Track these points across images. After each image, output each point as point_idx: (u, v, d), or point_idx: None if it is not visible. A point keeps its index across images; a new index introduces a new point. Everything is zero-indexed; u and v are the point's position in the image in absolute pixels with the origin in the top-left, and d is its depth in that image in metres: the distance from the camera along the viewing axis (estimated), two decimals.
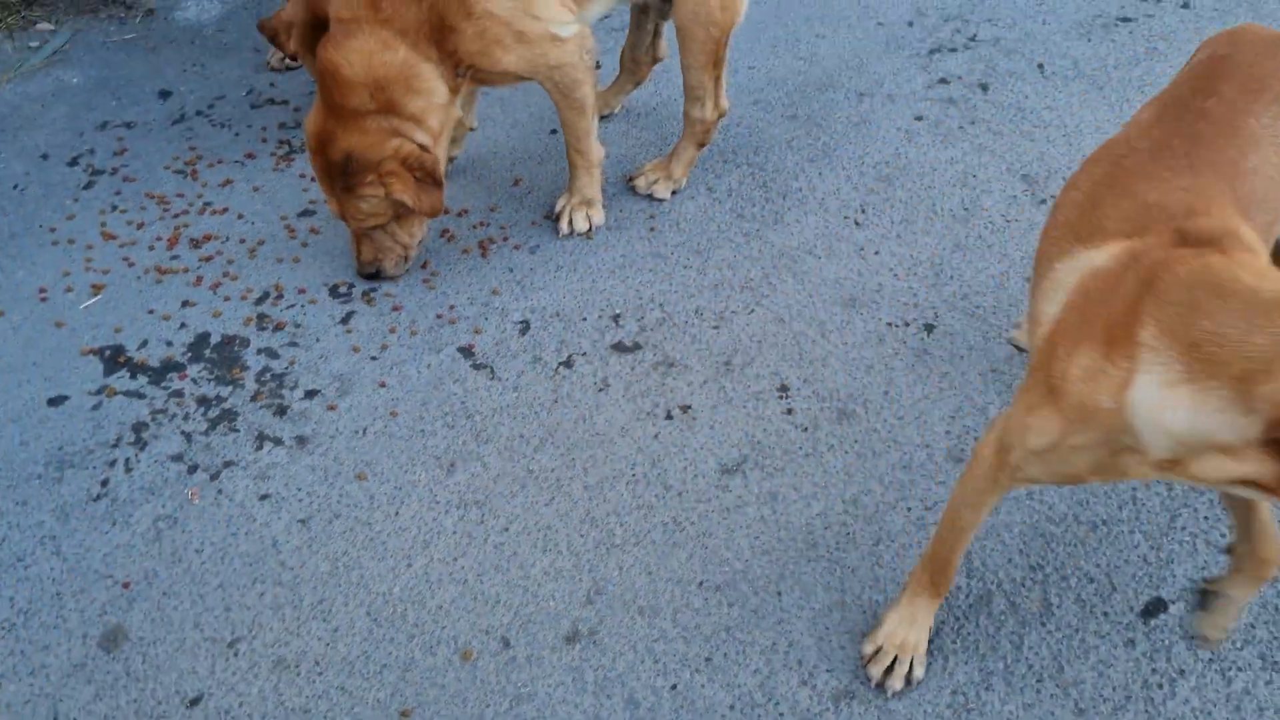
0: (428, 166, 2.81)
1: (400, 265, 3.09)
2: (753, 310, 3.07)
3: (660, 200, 3.42)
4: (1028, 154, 3.59)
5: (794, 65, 4.00)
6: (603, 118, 3.69)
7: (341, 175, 2.79)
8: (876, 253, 3.25)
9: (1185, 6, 4.25)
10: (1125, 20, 4.20)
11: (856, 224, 3.34)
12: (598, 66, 3.86)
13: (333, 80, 2.73)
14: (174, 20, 4.20)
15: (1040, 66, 3.98)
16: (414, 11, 2.68)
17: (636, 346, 2.97)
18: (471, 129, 3.51)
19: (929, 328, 3.01)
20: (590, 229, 3.29)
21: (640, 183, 3.42)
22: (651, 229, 3.33)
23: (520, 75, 2.91)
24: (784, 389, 2.86)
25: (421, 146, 2.83)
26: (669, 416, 2.79)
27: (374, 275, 3.09)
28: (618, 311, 3.07)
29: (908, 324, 3.03)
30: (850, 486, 2.62)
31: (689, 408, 2.81)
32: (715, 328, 3.02)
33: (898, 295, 3.11)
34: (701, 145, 3.35)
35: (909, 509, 2.57)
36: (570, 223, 3.28)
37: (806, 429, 2.76)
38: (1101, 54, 4.03)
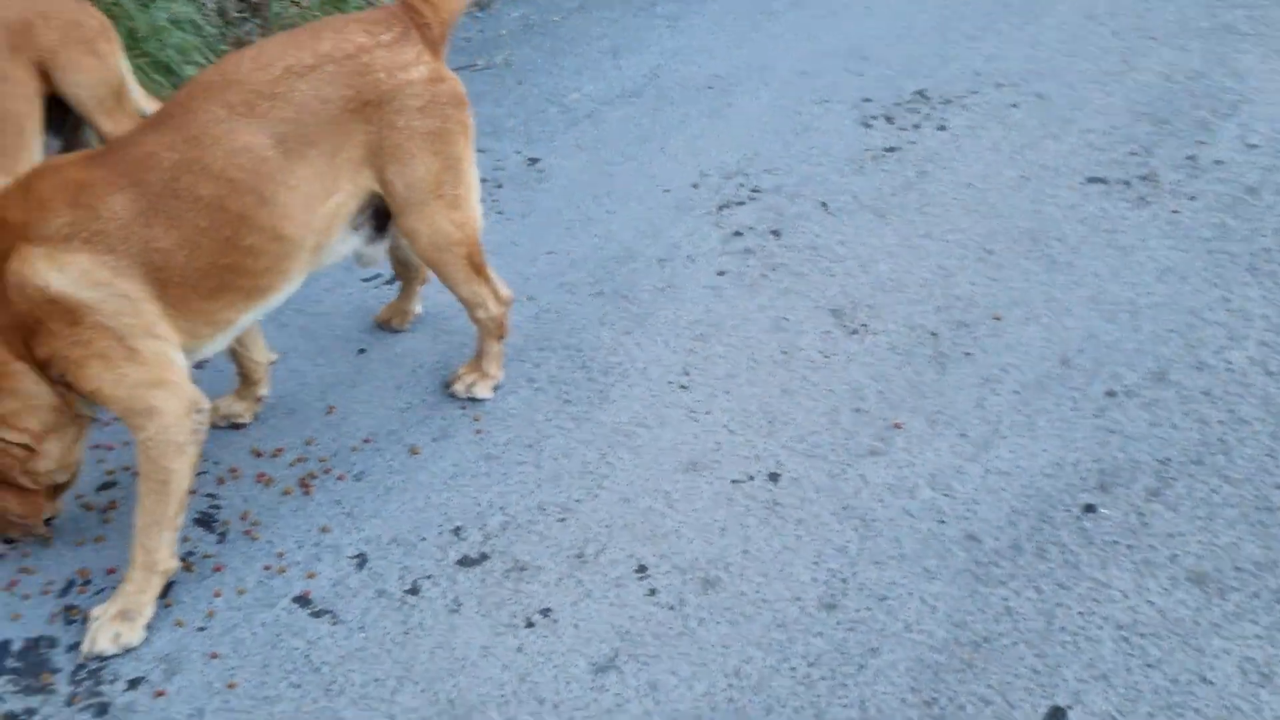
0: None
1: (17, 533, 2.90)
2: (596, 495, 2.97)
3: (482, 400, 3.33)
4: (830, 289, 3.67)
5: (591, 243, 4.03)
6: (395, 331, 3.60)
7: None
8: (708, 412, 3.22)
9: (942, 129, 4.52)
10: (891, 150, 4.42)
11: (683, 387, 3.32)
12: (383, 280, 3.79)
13: None
14: None
15: (824, 205, 4.12)
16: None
17: (484, 557, 2.82)
18: (272, 361, 3.36)
19: (774, 476, 2.97)
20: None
21: (459, 387, 3.33)
22: (478, 431, 3.22)
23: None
24: (642, 569, 2.75)
25: (23, 446, 2.68)
26: (530, 624, 2.63)
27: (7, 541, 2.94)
28: (458, 524, 2.92)
29: (752, 478, 2.98)
30: (729, 657, 2.50)
31: (549, 610, 2.66)
32: (561, 520, 2.91)
33: (737, 450, 3.07)
34: (501, 338, 3.29)
35: (793, 669, 2.46)
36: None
37: (673, 607, 2.64)
38: (877, 184, 4.21)
